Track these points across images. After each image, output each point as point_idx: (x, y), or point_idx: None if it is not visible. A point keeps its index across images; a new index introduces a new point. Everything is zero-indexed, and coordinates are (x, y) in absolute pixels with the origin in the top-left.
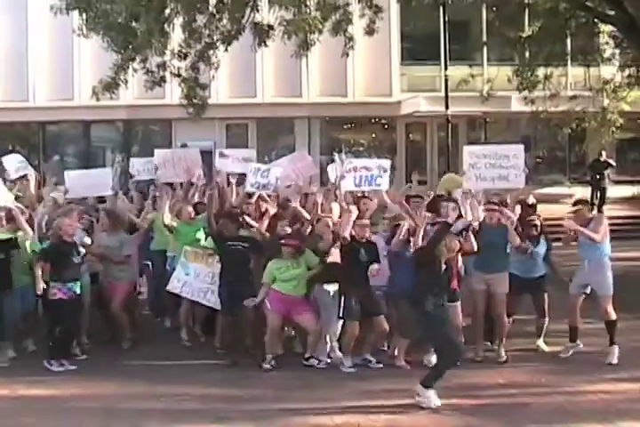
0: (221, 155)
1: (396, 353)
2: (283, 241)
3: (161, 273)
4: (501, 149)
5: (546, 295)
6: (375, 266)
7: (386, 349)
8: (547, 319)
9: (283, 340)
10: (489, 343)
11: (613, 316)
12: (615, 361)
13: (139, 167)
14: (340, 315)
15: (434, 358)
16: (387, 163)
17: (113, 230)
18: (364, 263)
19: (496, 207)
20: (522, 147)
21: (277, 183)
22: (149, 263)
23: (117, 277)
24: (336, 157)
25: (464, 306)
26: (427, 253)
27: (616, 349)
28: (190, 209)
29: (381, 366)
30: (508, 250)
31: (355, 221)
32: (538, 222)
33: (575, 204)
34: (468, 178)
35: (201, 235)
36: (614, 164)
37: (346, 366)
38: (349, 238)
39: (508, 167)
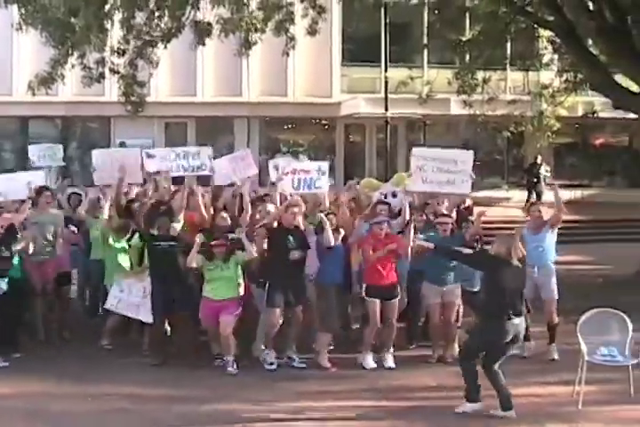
0: (148, 155)
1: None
2: (212, 243)
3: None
4: (450, 154)
5: None
6: (295, 253)
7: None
8: None
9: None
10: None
11: (556, 319)
12: (557, 357)
13: (38, 153)
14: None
15: (369, 360)
16: (325, 165)
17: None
18: (291, 250)
19: (449, 220)
20: (471, 153)
21: (211, 163)
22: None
23: (45, 254)
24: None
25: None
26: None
27: (555, 346)
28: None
29: (304, 365)
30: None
31: (284, 209)
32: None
33: (531, 205)
34: (414, 180)
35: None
36: (549, 168)
37: (267, 363)
38: (277, 225)
39: (455, 172)
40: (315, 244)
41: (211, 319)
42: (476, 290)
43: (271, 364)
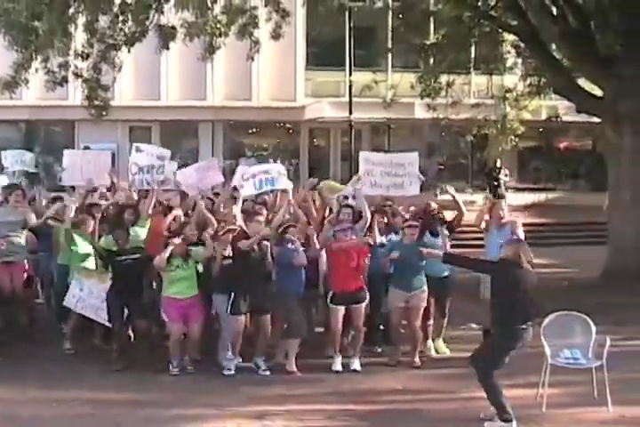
0: (137, 149)
1: (286, 357)
2: (170, 241)
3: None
4: (396, 158)
5: (449, 296)
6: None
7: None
8: (445, 320)
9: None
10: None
11: None
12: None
13: (11, 159)
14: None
15: (337, 363)
16: (283, 168)
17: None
18: (255, 259)
19: (417, 223)
20: (416, 155)
21: (175, 178)
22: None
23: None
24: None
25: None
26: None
27: None
28: (92, 222)
29: (268, 373)
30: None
31: (250, 218)
32: (442, 216)
33: (493, 204)
34: (363, 184)
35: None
36: (508, 172)
37: (226, 368)
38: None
39: (402, 175)
40: (276, 254)
41: (177, 319)
42: (445, 275)
43: (229, 369)
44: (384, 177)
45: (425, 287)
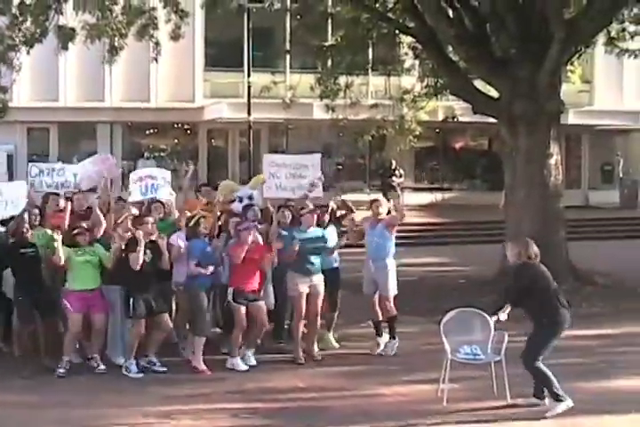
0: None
1: (192, 354)
2: (75, 231)
3: None
4: (300, 159)
5: (339, 288)
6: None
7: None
8: (337, 313)
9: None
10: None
11: (394, 311)
12: (393, 353)
13: None
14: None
15: (239, 362)
16: (168, 175)
17: None
18: (148, 262)
19: (313, 209)
20: (319, 156)
21: (76, 180)
22: None
23: None
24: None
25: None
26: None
27: (396, 343)
28: None
29: (165, 369)
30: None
31: (137, 221)
32: (331, 208)
33: (372, 202)
34: (268, 187)
35: None
36: (402, 172)
37: (133, 372)
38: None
39: (307, 177)
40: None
41: (80, 310)
42: (334, 266)
43: (137, 372)
44: (289, 179)
45: (321, 274)
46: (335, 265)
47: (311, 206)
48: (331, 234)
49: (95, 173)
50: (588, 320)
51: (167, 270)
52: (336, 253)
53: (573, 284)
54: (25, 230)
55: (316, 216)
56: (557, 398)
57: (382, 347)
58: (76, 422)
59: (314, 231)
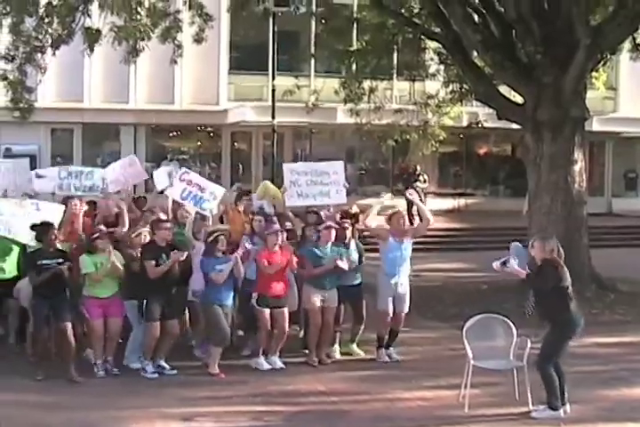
0: (37, 176)
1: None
2: (94, 236)
3: None
4: (321, 166)
5: (364, 302)
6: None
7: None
8: (362, 326)
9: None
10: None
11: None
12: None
13: None
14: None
15: (263, 362)
16: (221, 191)
17: None
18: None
19: (334, 225)
20: (341, 163)
21: (104, 185)
22: None
23: None
24: (165, 164)
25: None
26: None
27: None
28: None
29: (175, 372)
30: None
31: (157, 225)
32: (349, 226)
33: (391, 215)
34: (290, 195)
35: None
36: (426, 177)
37: (149, 373)
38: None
39: (328, 184)
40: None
41: (98, 317)
42: (358, 282)
43: (153, 373)
44: (310, 186)
45: (335, 290)
46: (357, 282)
47: (330, 223)
48: (351, 252)
49: (122, 175)
50: (610, 327)
51: (183, 276)
52: (357, 269)
53: (596, 291)
54: (53, 237)
55: (334, 232)
56: (551, 406)
57: (385, 358)
58: (93, 424)
59: (334, 249)
